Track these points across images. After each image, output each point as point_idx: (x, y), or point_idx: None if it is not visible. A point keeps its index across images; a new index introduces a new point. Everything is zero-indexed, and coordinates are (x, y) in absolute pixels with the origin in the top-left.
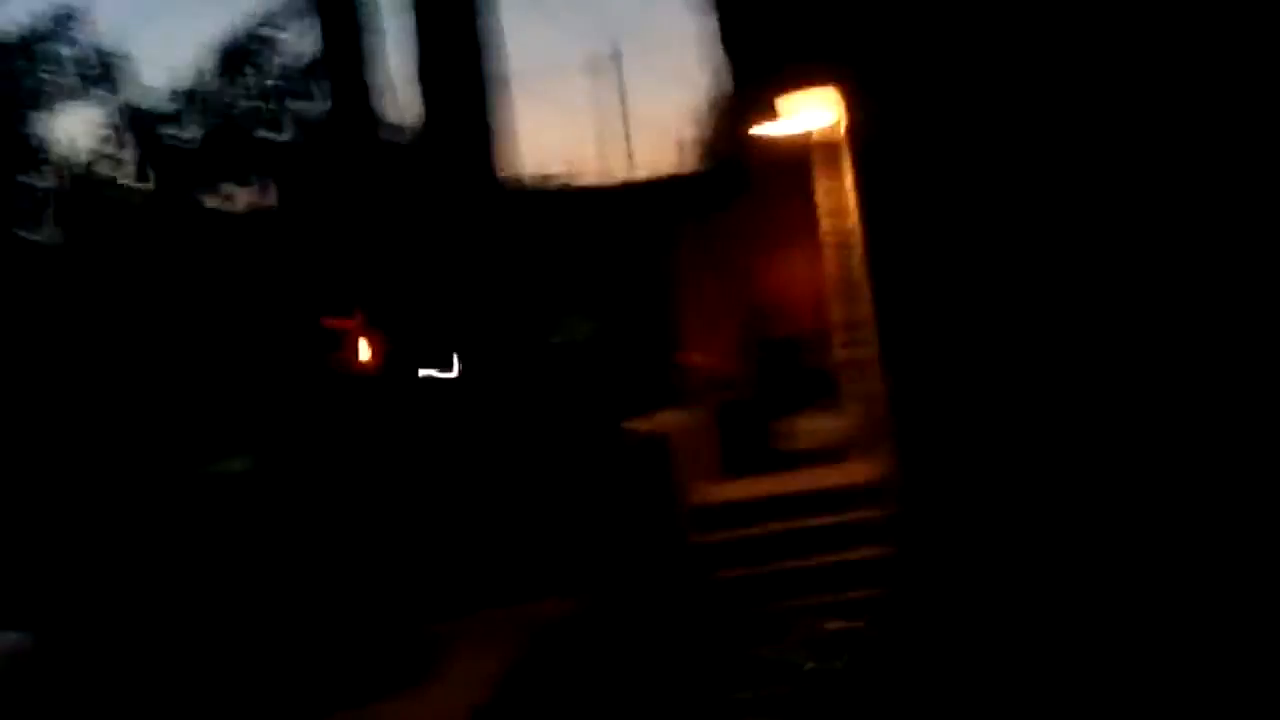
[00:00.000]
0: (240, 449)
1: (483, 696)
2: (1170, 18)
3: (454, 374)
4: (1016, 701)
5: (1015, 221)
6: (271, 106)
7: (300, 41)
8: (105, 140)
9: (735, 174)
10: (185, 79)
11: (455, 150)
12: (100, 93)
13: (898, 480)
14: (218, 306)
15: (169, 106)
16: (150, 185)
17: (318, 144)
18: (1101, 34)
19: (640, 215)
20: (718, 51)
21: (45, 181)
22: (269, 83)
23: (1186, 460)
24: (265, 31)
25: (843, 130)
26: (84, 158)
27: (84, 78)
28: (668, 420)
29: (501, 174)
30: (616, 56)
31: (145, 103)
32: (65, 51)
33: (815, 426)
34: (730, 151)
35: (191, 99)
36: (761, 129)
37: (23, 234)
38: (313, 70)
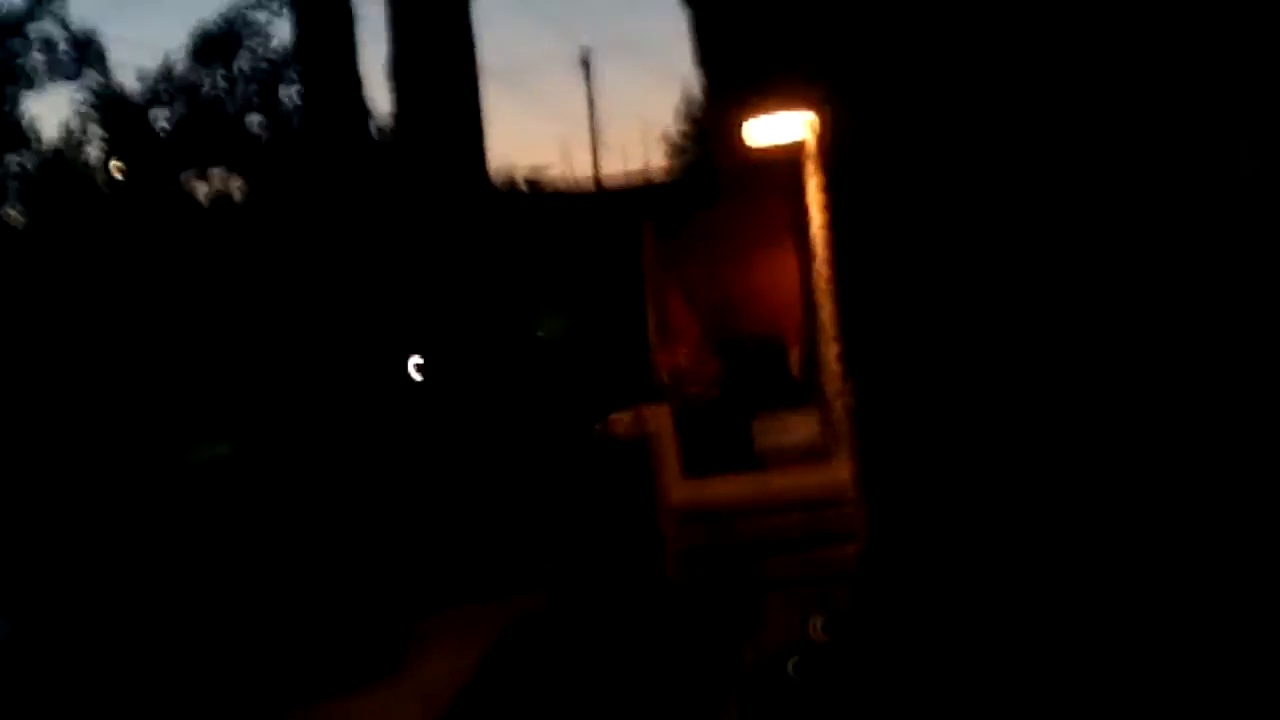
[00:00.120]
0: (219, 436)
1: (455, 688)
2: (1136, 37)
3: (422, 367)
4: (983, 703)
5: (977, 233)
6: (248, 94)
7: (278, 30)
8: (80, 123)
9: (711, 176)
10: (162, 64)
11: (432, 144)
12: (76, 75)
13: (860, 482)
14: (192, 293)
15: (145, 91)
16: (124, 169)
17: (293, 133)
18: (1068, 54)
19: (617, 214)
20: (695, 56)
21: (18, 162)
22: (246, 70)
23: (1153, 458)
24: (244, 18)
25: (814, 139)
26: (58, 140)
27: (60, 60)
28: (645, 415)
29: (479, 170)
30: (592, 55)
31: (120, 85)
32: (42, 33)
33: (788, 427)
34: (706, 154)
35: (167, 84)
36: (738, 134)
37: None
38: (290, 60)
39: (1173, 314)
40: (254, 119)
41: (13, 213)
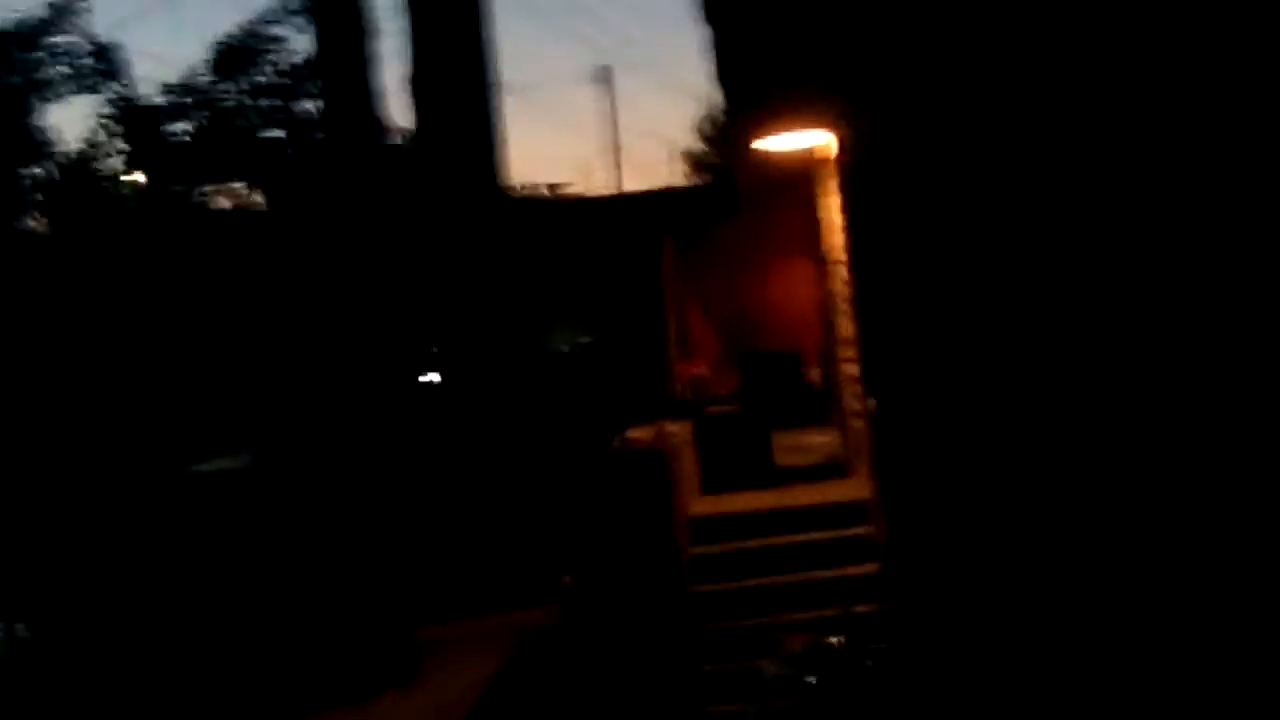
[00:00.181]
0: (238, 446)
1: (469, 700)
2: (1149, 48)
3: (440, 378)
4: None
5: (995, 248)
6: (267, 105)
7: (298, 41)
8: (100, 133)
9: (730, 190)
10: (182, 74)
11: (450, 156)
12: (96, 85)
13: (880, 499)
14: (210, 304)
15: (164, 101)
16: (143, 179)
17: (312, 145)
18: (1080, 68)
19: (635, 228)
20: (713, 70)
21: (39, 172)
22: (265, 81)
23: (1168, 482)
24: (264, 32)
25: (833, 153)
26: (78, 150)
27: (80, 70)
28: (664, 430)
29: (497, 182)
30: (611, 71)
31: (141, 97)
32: (62, 43)
33: (808, 442)
34: (725, 167)
35: (187, 94)
36: (757, 146)
37: (16, 225)
38: (310, 70)
39: (1205, 338)
40: (274, 132)
41: (33, 223)
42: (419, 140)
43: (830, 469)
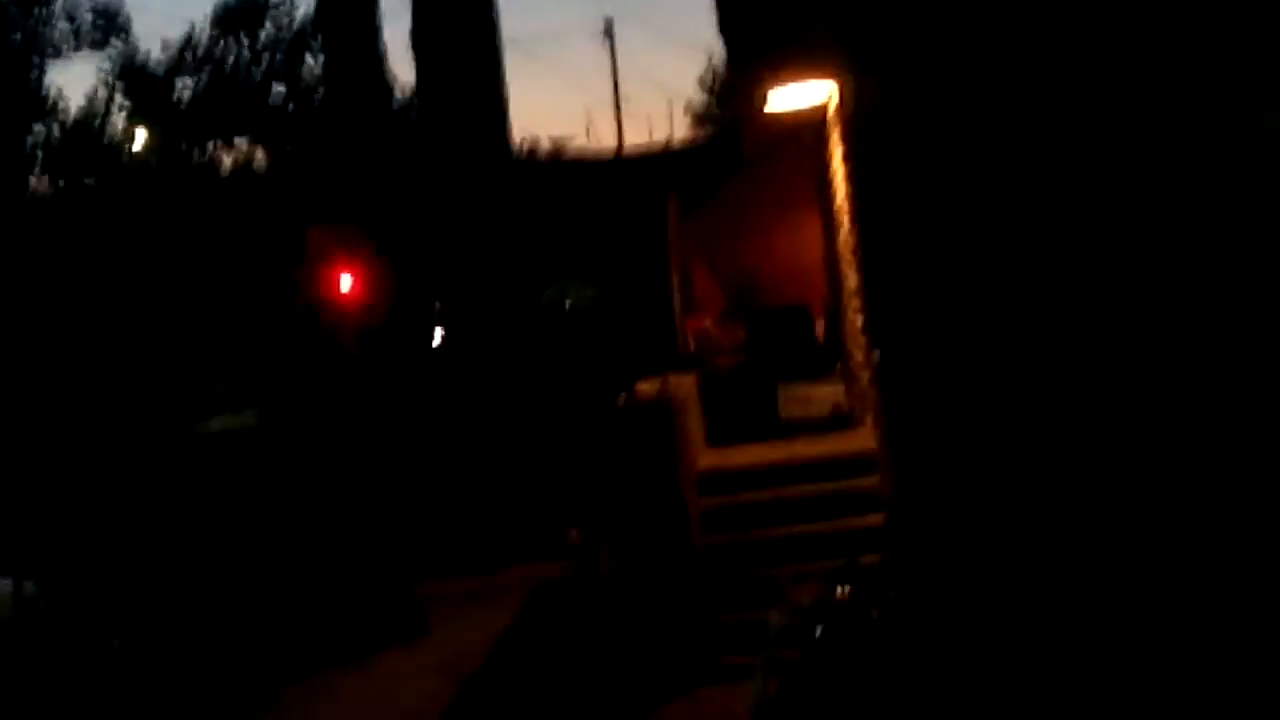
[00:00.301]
0: (245, 404)
1: (476, 655)
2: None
3: (446, 336)
4: (1011, 678)
5: (1002, 201)
6: (270, 64)
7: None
8: (104, 92)
9: (735, 145)
10: (186, 33)
11: (454, 114)
12: (100, 45)
13: (885, 449)
14: (218, 263)
15: (168, 60)
16: (148, 138)
17: (315, 103)
18: (1091, 24)
19: (639, 185)
20: (718, 21)
21: (44, 131)
22: (269, 40)
23: (1187, 472)
24: None
25: (837, 107)
26: (83, 109)
27: (85, 29)
28: (670, 384)
29: (502, 139)
30: (615, 24)
31: (145, 56)
32: (67, 2)
33: (813, 394)
34: (730, 123)
35: (191, 54)
36: (762, 98)
37: (21, 183)
38: (313, 29)
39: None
40: (277, 88)
41: (38, 181)
42: (423, 96)
43: (836, 421)
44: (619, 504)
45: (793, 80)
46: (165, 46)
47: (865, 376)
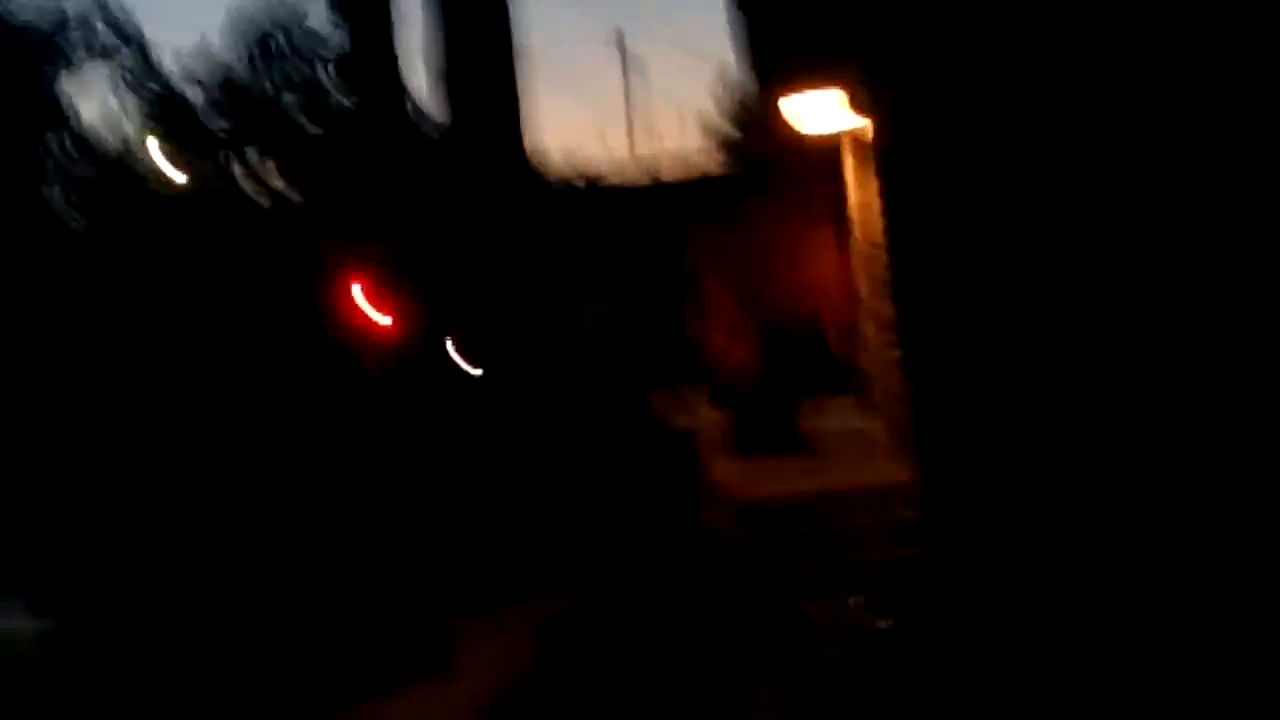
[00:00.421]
0: (265, 433)
1: (504, 688)
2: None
3: (472, 360)
4: (1038, 696)
5: (1037, 229)
6: (290, 76)
7: (331, 28)
8: (119, 103)
9: (753, 164)
10: (216, 63)
11: (478, 133)
12: (115, 55)
13: (920, 482)
14: (243, 293)
15: (185, 73)
16: (179, 169)
17: (337, 119)
18: (1123, 42)
19: (664, 206)
20: (739, 38)
21: (59, 142)
22: (299, 68)
23: (1206, 464)
24: (296, 16)
25: (869, 132)
26: (98, 121)
27: (100, 40)
28: (691, 403)
29: (523, 158)
30: (629, 37)
31: (162, 68)
32: (94, 30)
33: (831, 411)
34: (748, 141)
35: (208, 66)
36: (781, 120)
37: (51, 213)
38: (343, 56)
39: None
40: (297, 102)
41: (52, 193)
42: (453, 122)
43: (854, 436)
44: (641, 529)
45: (818, 88)
46: (182, 58)
47: (896, 405)
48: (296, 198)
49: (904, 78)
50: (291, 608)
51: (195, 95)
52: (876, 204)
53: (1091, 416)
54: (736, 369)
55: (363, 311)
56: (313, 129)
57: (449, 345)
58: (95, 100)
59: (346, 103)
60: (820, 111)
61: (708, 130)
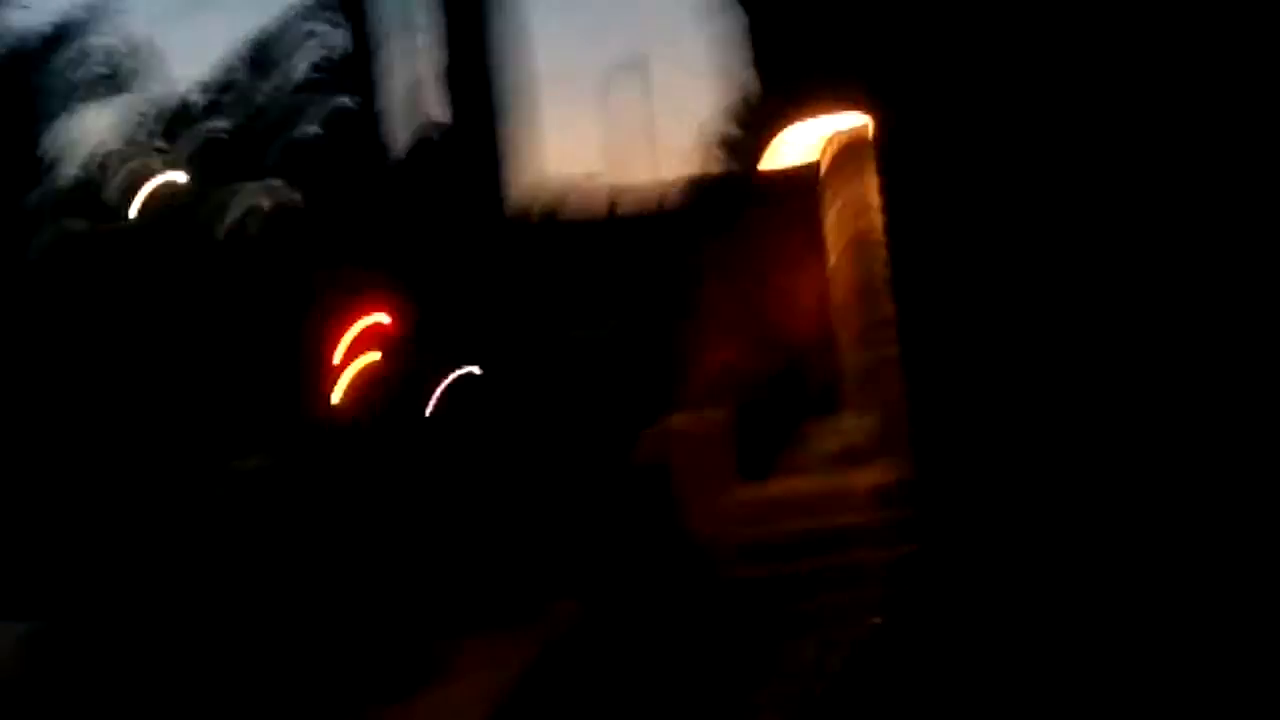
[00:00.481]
0: (258, 447)
1: (497, 700)
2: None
3: (467, 376)
4: (1028, 700)
5: (1038, 231)
6: (300, 104)
7: (332, 40)
8: (133, 132)
9: (753, 189)
10: (216, 72)
11: (482, 154)
12: (130, 86)
13: (917, 482)
14: (241, 304)
15: (198, 100)
16: (179, 178)
17: (346, 143)
18: (1124, 53)
19: (661, 225)
20: (745, 63)
21: (73, 174)
22: (298, 80)
23: (1204, 468)
24: (298, 26)
25: (870, 139)
26: (111, 148)
27: (115, 70)
28: (692, 421)
29: (525, 180)
30: (631, 64)
31: (176, 97)
32: (98, 43)
33: (832, 430)
34: (749, 163)
35: (221, 93)
36: (788, 133)
37: (53, 225)
38: (343, 70)
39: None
40: (308, 129)
41: (71, 222)
42: (452, 138)
43: (854, 456)
44: (641, 542)
45: (823, 110)
46: (195, 86)
47: (892, 409)
48: (288, 211)
49: (911, 85)
50: (287, 616)
51: (198, 100)
52: (859, 213)
53: (1090, 413)
54: (740, 388)
55: (355, 328)
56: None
57: (439, 371)
58: (98, 108)
59: (347, 111)
60: (809, 139)
61: (712, 154)
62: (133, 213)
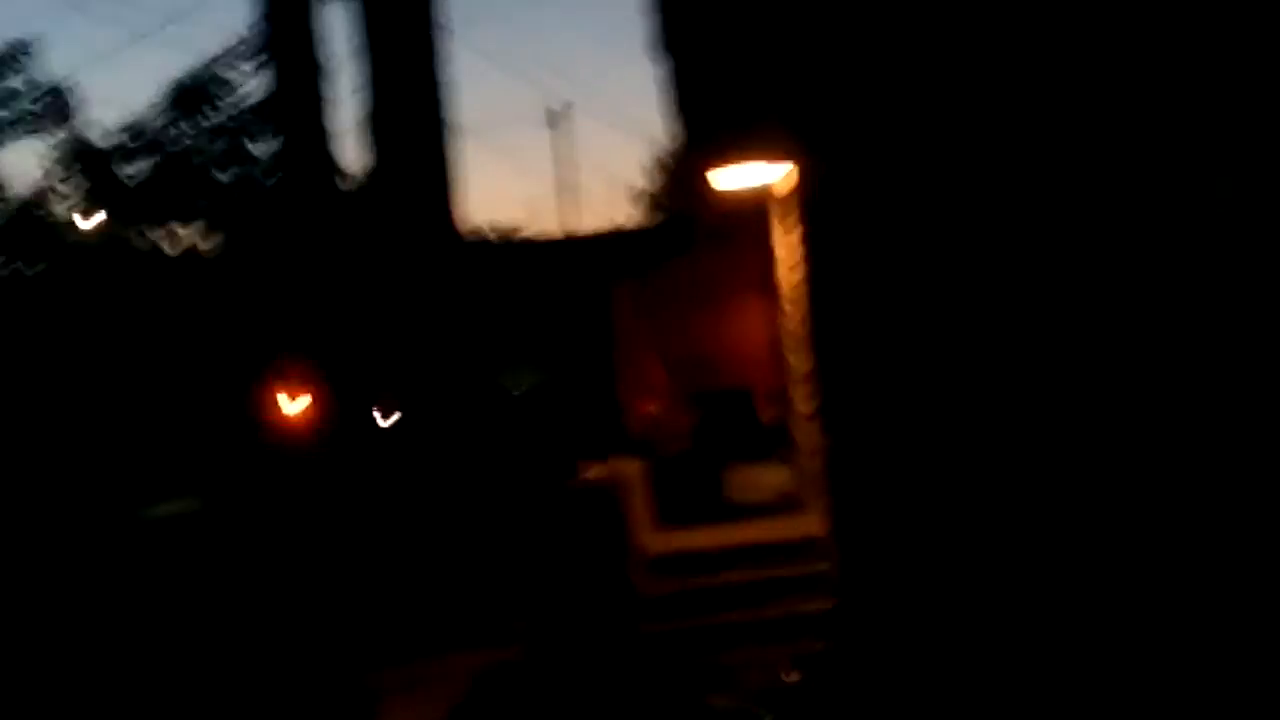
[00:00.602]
0: (185, 491)
1: None
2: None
3: (395, 420)
4: None
5: (964, 285)
6: (222, 146)
7: (253, 82)
8: (52, 174)
9: (684, 228)
10: (136, 116)
11: (406, 198)
12: (50, 127)
13: (834, 534)
14: (163, 348)
15: (118, 142)
16: (97, 221)
17: (267, 186)
18: (1037, 110)
19: (587, 269)
20: (671, 107)
21: None
22: (220, 122)
23: (1136, 525)
24: (217, 71)
25: (792, 189)
26: (30, 191)
27: (34, 112)
28: (617, 467)
29: (453, 223)
30: (561, 112)
31: (95, 138)
32: (13, 86)
33: (759, 477)
34: (678, 206)
35: (141, 136)
36: (713, 180)
37: None
38: (265, 111)
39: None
40: (226, 173)
41: None
42: (375, 181)
43: (783, 504)
44: (565, 588)
45: (747, 160)
46: (112, 130)
47: (812, 460)
48: (213, 253)
49: (830, 135)
50: (213, 664)
51: (115, 143)
52: (797, 260)
53: (1008, 466)
54: (667, 435)
55: (281, 373)
56: (231, 181)
57: (371, 403)
58: (16, 149)
59: (267, 154)
60: (750, 171)
61: (640, 200)
62: (50, 256)
